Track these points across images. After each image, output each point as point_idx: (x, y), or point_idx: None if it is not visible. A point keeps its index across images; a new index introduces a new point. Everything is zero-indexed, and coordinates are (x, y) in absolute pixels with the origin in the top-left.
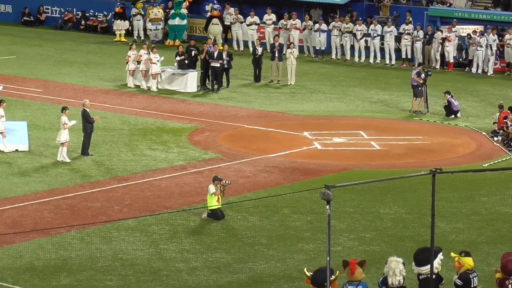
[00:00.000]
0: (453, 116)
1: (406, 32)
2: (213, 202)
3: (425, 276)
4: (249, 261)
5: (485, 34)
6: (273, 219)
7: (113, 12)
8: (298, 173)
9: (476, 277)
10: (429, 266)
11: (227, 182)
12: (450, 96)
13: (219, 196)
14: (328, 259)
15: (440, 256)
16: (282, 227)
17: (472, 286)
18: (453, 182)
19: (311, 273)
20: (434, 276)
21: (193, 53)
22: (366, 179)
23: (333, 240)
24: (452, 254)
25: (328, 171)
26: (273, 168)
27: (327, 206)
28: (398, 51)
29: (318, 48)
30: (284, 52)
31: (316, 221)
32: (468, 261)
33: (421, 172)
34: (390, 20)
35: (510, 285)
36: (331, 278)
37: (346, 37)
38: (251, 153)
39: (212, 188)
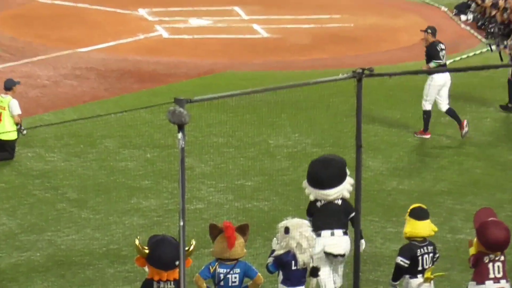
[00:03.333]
0: None
1: None
2: (11, 127)
3: (325, 202)
4: (49, 228)
5: None
6: (88, 158)
7: None
8: (129, 79)
9: (430, 254)
10: (336, 189)
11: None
12: None
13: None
14: (181, 223)
15: (349, 179)
16: (104, 170)
17: (419, 268)
18: (390, 92)
19: (147, 248)
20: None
21: None
22: (245, 88)
23: (191, 192)
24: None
25: (181, 75)
26: (88, 71)
27: (179, 134)
28: None
29: None
30: None
31: (161, 161)
32: (417, 226)
33: (339, 75)
34: None
35: (492, 266)
36: (185, 251)
37: None
38: (50, 46)
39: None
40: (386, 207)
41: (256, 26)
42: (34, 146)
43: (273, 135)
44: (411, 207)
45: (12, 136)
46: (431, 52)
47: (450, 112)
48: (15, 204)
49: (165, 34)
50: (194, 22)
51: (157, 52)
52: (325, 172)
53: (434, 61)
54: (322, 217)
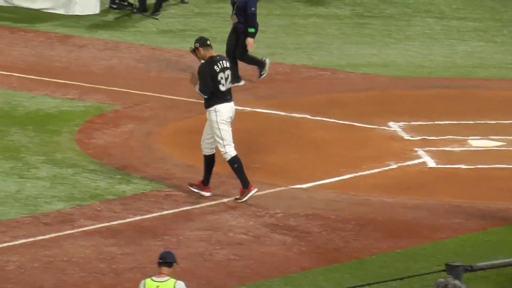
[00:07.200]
0: None
1: None
2: None
3: None
4: None
5: None
6: None
7: None
8: (374, 233)
9: None
10: None
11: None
12: None
13: None
14: None
15: None
16: None
17: None
18: None
19: None
20: None
21: None
22: None
23: None
24: None
25: (455, 227)
26: (309, 220)
27: None
28: None
29: None
30: None
31: None
32: None
33: None
34: None
35: None
36: None
37: None
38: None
39: None
40: None
41: None
42: None
43: None
44: None
45: None
46: (199, 77)
47: (210, 161)
48: None
49: (431, 162)
50: (477, 143)
51: (418, 190)
52: None
53: (198, 90)
54: None
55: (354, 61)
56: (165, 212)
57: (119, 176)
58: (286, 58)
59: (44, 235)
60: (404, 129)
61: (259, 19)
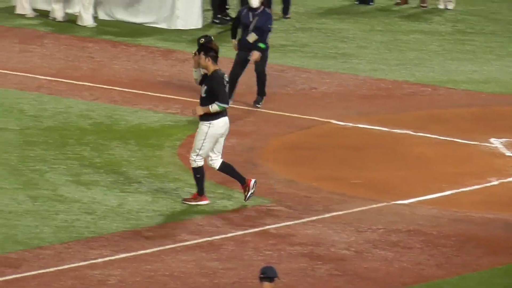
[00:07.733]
0: None
1: None
2: None
3: None
4: None
5: None
6: None
7: None
8: (475, 249)
9: None
10: None
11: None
12: None
13: None
14: None
15: None
16: None
17: None
18: None
19: None
20: None
21: None
22: None
23: None
24: None
25: None
26: (411, 236)
27: None
28: None
29: None
30: None
31: None
32: None
33: None
34: None
35: None
36: None
37: None
38: (351, 194)
39: None
40: None
41: None
42: None
43: None
44: None
45: None
46: (217, 88)
47: (225, 168)
48: None
49: None
50: None
51: None
52: None
53: (220, 104)
54: None
55: (455, 77)
56: (267, 227)
57: (220, 191)
58: (388, 74)
59: (145, 249)
60: (505, 145)
61: (362, 35)
